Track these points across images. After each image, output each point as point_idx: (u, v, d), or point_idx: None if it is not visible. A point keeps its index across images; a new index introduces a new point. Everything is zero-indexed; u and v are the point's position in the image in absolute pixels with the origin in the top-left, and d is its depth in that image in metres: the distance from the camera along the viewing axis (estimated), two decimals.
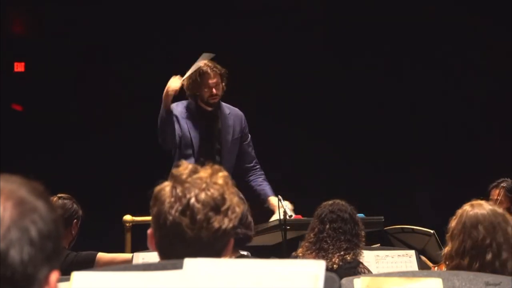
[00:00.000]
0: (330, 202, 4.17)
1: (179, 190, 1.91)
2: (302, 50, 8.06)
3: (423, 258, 5.28)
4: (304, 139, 7.94)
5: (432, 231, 5.48)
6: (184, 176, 1.93)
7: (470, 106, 8.03)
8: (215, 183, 1.92)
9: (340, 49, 8.12)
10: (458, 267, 2.91)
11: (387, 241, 5.69)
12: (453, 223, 3.02)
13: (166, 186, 1.94)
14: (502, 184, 5.93)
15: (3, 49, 7.96)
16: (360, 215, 5.54)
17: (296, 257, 4.12)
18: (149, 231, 1.97)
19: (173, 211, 1.89)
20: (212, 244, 1.89)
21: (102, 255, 4.47)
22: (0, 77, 7.99)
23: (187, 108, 5.44)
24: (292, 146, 7.76)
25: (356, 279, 2.29)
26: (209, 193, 1.90)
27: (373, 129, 8.06)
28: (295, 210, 5.46)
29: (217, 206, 1.90)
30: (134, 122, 8.10)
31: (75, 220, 4.49)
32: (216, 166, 1.98)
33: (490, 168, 7.01)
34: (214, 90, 5.31)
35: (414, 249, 4.86)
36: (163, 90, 5.23)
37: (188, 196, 1.89)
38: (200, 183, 1.91)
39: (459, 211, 3.04)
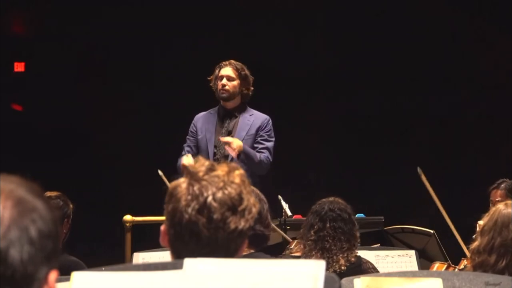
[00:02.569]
0: (329, 199, 4.12)
1: (196, 188, 1.86)
2: (303, 50, 8.06)
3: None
4: (304, 138, 7.94)
5: (432, 231, 5.47)
6: (201, 174, 1.88)
7: (470, 106, 8.03)
8: (232, 182, 1.88)
9: (340, 48, 8.12)
10: (483, 263, 2.91)
11: (387, 241, 5.68)
12: (485, 219, 3.02)
13: (182, 183, 1.89)
14: (502, 185, 5.91)
15: (3, 49, 7.96)
16: (360, 215, 5.55)
17: (289, 256, 4.08)
18: (162, 227, 1.94)
19: (189, 210, 1.85)
20: (227, 245, 1.86)
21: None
22: (0, 77, 7.99)
23: (211, 112, 5.53)
24: (292, 145, 7.76)
25: (356, 279, 2.28)
26: (226, 192, 1.86)
27: (373, 128, 8.06)
28: (295, 210, 5.46)
29: (234, 206, 1.86)
30: (135, 122, 8.11)
31: (65, 219, 4.44)
32: (233, 164, 1.95)
33: (489, 169, 7.01)
34: (224, 80, 5.34)
35: (414, 249, 4.85)
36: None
37: (205, 194, 1.85)
38: (218, 181, 1.87)
39: (493, 209, 3.04)
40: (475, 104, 8.05)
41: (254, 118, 5.47)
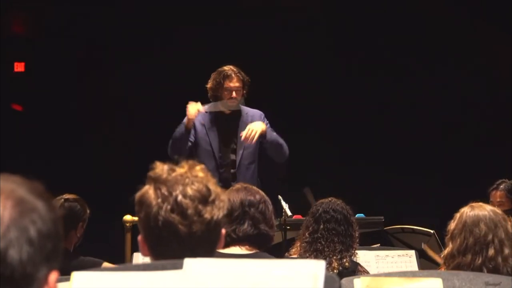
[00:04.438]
0: (326, 200, 4.12)
1: (163, 189, 1.90)
2: (304, 51, 8.06)
3: (431, 253, 5.27)
4: (305, 138, 7.94)
5: (432, 231, 5.48)
6: (164, 176, 1.92)
7: (470, 107, 8.03)
8: (196, 176, 1.91)
9: (343, 50, 8.12)
10: (460, 265, 2.92)
11: (387, 241, 5.69)
12: (452, 225, 3.04)
13: (148, 190, 1.93)
14: (501, 186, 5.91)
15: (3, 49, 7.95)
16: (360, 215, 5.55)
17: (288, 257, 4.09)
18: (140, 237, 1.95)
19: (162, 212, 1.88)
20: (207, 237, 1.89)
21: (108, 265, 4.42)
22: (0, 77, 7.99)
23: (206, 111, 5.58)
24: (293, 146, 7.76)
25: (356, 279, 2.29)
26: (194, 187, 1.89)
27: (374, 129, 8.06)
28: (295, 210, 5.46)
29: (204, 198, 1.89)
30: (134, 122, 8.11)
31: (80, 223, 4.43)
32: (191, 161, 1.97)
33: (489, 169, 7.02)
34: (234, 94, 5.49)
35: (414, 249, 4.85)
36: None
37: (174, 193, 1.88)
38: (182, 179, 1.90)
39: (458, 214, 3.06)
40: (474, 106, 8.05)
41: (250, 117, 5.58)
